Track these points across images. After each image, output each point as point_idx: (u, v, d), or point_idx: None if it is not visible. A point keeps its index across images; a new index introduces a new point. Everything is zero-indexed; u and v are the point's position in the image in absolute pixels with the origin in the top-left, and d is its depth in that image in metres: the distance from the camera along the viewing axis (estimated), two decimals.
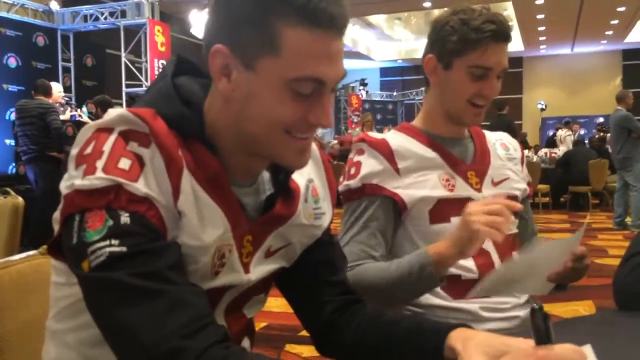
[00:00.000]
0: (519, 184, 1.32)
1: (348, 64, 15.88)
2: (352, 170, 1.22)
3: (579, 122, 13.50)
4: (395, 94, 17.77)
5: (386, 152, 1.21)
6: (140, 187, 0.65)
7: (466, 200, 1.21)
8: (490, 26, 1.15)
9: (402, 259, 1.12)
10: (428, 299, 1.18)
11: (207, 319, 0.64)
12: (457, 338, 0.71)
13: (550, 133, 14.45)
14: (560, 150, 10.81)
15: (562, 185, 8.89)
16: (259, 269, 0.81)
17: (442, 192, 1.20)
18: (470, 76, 1.18)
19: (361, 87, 16.65)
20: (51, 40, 8.33)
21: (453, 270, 1.14)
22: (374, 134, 1.27)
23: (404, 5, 12.04)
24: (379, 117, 16.31)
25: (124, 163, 0.66)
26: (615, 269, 1.17)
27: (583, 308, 3.70)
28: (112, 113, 0.69)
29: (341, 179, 1.26)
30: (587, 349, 0.62)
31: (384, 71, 19.18)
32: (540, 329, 0.56)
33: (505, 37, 1.17)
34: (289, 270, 0.89)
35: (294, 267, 0.89)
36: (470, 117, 1.22)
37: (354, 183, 1.21)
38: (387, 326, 0.83)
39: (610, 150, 9.65)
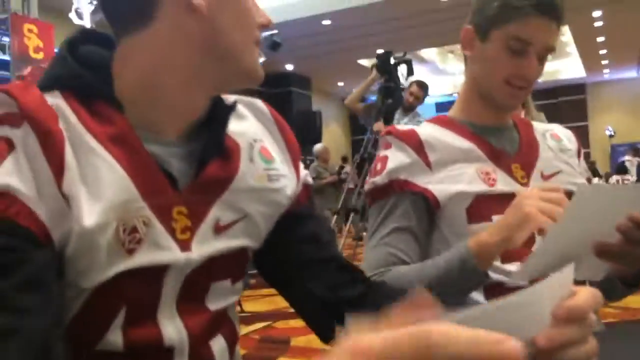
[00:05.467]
0: (576, 178, 1.13)
1: None
2: (378, 166, 1.09)
3: None
4: None
5: (415, 144, 1.06)
6: None
7: (510, 196, 1.04)
8: None
9: (437, 257, 0.97)
10: (467, 307, 1.00)
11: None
12: None
13: (622, 159, 13.74)
14: (632, 177, 10.20)
15: None
16: (206, 247, 0.68)
17: (481, 187, 1.04)
18: (507, 50, 1.03)
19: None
20: None
21: (495, 276, 0.97)
22: (403, 126, 1.13)
23: (456, 37, 11.93)
24: None
25: None
26: None
27: None
28: None
29: (367, 178, 1.13)
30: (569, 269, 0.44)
31: (440, 106, 18.91)
32: None
33: (551, 11, 1.01)
34: (265, 253, 0.77)
35: (270, 249, 0.77)
36: (505, 96, 1.06)
37: (380, 179, 1.07)
38: (399, 291, 0.72)
39: None
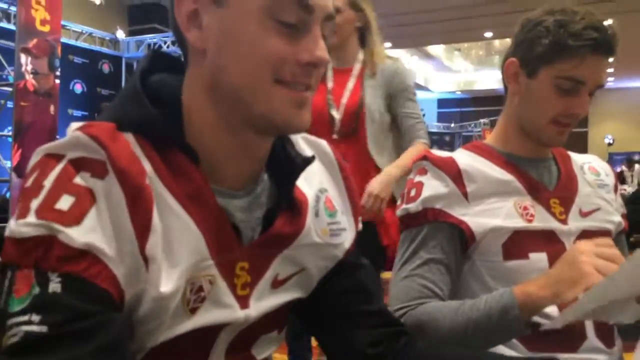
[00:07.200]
0: (613, 215, 1.11)
1: None
2: (413, 192, 1.05)
3: None
4: (452, 125, 17.45)
5: (453, 173, 1.03)
6: (76, 234, 0.51)
7: (548, 233, 1.02)
8: (593, 34, 0.96)
9: (478, 299, 0.93)
10: (497, 348, 0.98)
11: None
12: None
13: (618, 169, 13.81)
14: (630, 187, 10.22)
15: (634, 225, 8.31)
16: (264, 304, 0.66)
17: (518, 223, 1.01)
18: (557, 89, 1.00)
19: None
20: (116, 68, 8.61)
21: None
22: (440, 152, 1.09)
23: (464, 35, 11.83)
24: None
25: (65, 202, 0.52)
26: None
27: None
28: (68, 133, 0.56)
29: (399, 203, 1.09)
30: None
31: (442, 102, 18.90)
32: None
33: (608, 50, 0.98)
34: (308, 301, 0.73)
35: (315, 297, 0.74)
36: (552, 136, 1.04)
37: (413, 207, 1.04)
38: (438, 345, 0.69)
39: None
